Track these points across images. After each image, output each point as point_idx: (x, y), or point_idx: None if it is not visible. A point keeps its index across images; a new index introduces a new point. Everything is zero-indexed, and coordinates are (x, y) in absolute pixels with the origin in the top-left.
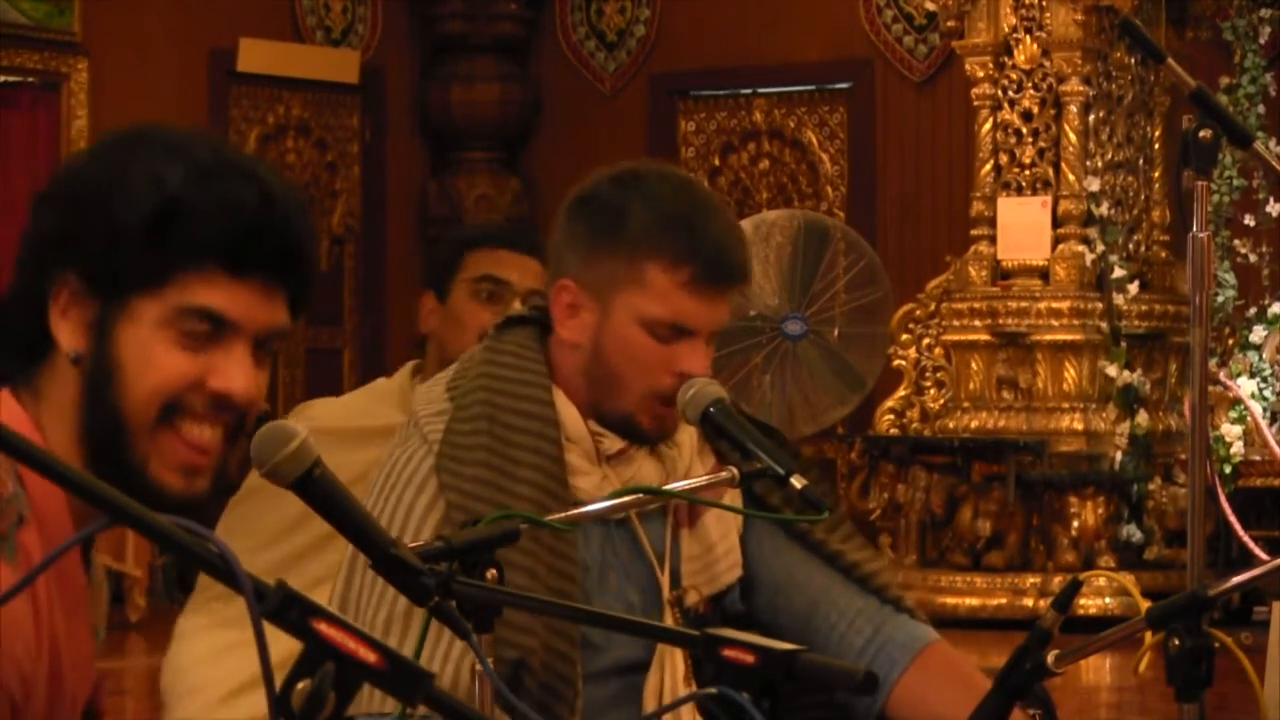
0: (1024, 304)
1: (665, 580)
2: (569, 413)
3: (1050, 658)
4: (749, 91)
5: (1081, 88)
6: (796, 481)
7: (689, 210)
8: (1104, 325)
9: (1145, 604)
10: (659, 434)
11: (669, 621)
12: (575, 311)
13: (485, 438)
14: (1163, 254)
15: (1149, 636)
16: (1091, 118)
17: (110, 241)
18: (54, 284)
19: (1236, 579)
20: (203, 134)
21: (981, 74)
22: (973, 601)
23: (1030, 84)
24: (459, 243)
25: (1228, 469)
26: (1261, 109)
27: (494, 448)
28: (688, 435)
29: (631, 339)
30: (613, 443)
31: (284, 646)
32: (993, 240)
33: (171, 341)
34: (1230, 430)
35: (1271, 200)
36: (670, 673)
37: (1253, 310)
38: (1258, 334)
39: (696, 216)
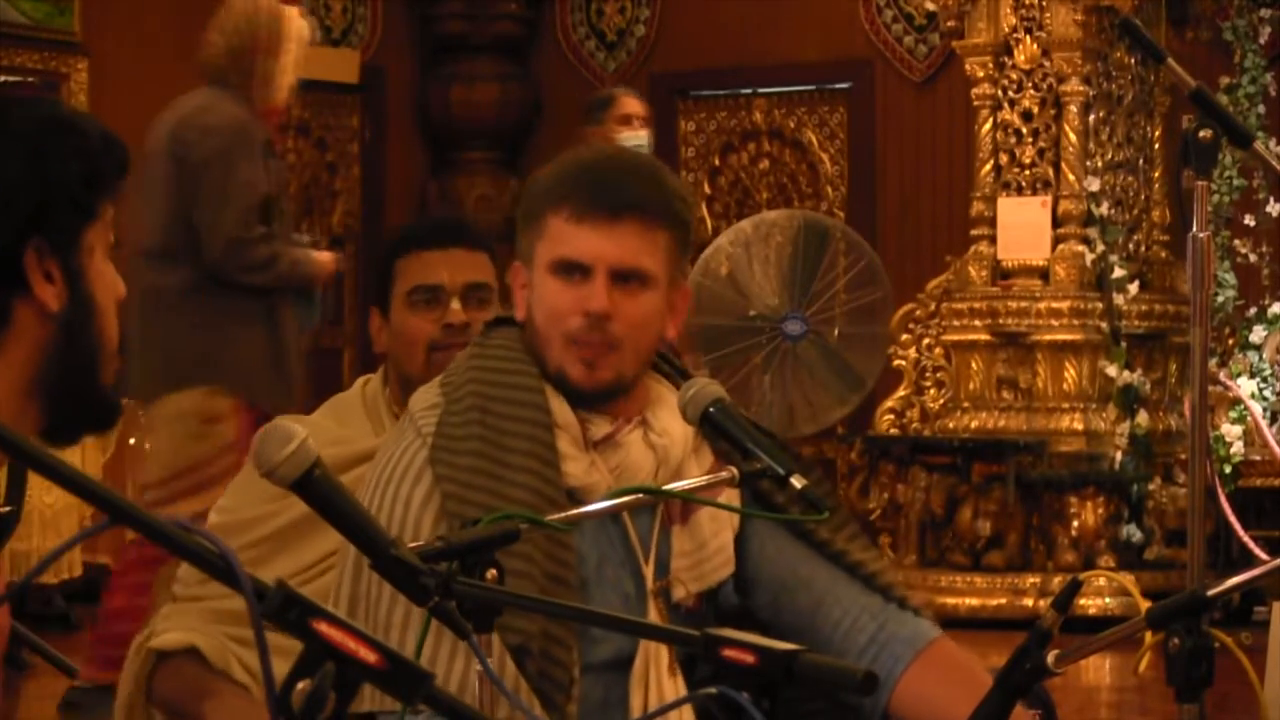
0: (1024, 304)
1: (649, 572)
2: (557, 400)
3: (1050, 658)
4: (749, 91)
5: (1081, 88)
6: (796, 481)
7: (580, 158)
8: (1104, 325)
9: (1145, 604)
10: (591, 385)
11: (653, 614)
12: (521, 288)
13: (478, 428)
14: (1163, 254)
15: (1149, 636)
16: (1091, 118)
17: (64, 198)
18: (26, 255)
19: (1236, 579)
20: (34, 97)
21: (981, 74)
22: (973, 601)
23: (1030, 84)
24: (386, 253)
25: (1228, 469)
26: (1261, 109)
27: (487, 437)
28: (679, 425)
29: (545, 289)
30: (598, 428)
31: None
32: (993, 240)
33: (107, 262)
34: (1230, 430)
35: (1271, 200)
36: (655, 663)
37: (1253, 310)
38: (1258, 334)
39: (586, 160)
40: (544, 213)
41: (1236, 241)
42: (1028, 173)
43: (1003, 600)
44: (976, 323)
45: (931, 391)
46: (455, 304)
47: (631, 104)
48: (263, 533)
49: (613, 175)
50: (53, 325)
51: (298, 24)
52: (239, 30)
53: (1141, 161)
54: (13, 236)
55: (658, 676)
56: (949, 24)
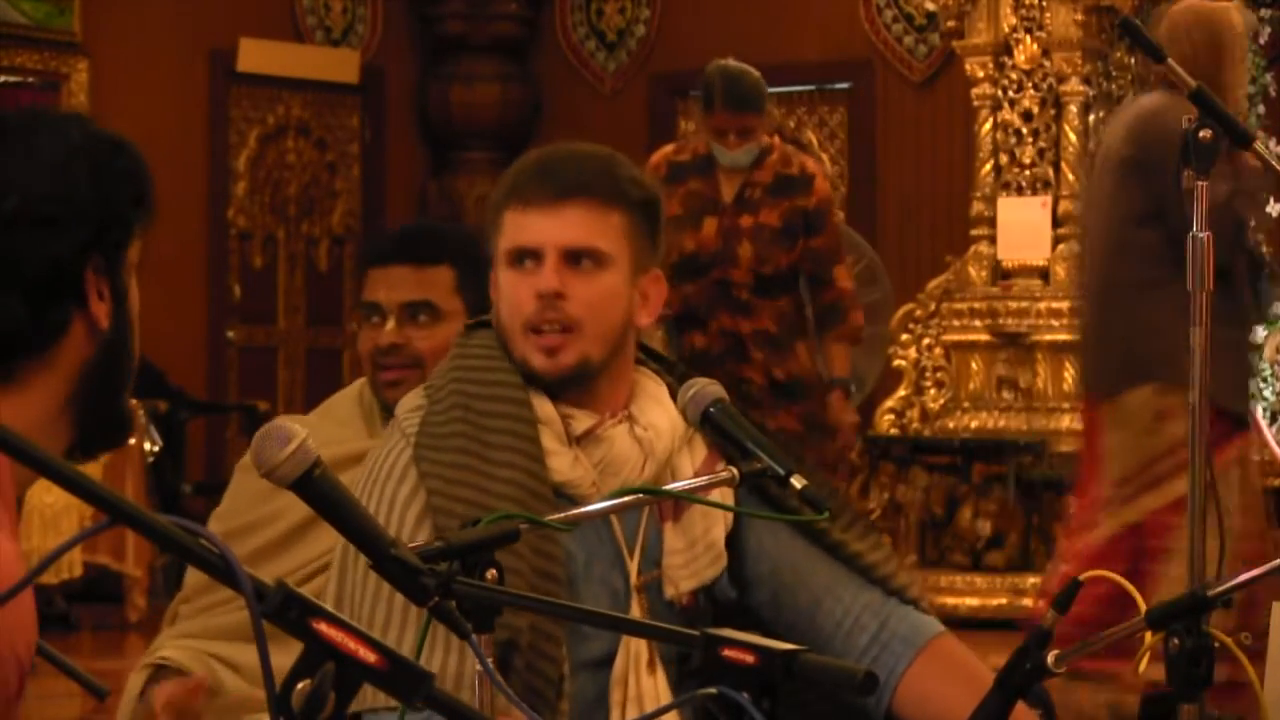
0: (1024, 304)
1: (633, 568)
2: (538, 396)
3: (1050, 658)
4: None
5: (1081, 88)
6: (797, 481)
7: (531, 154)
8: None
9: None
10: (555, 372)
11: (635, 610)
12: (495, 290)
13: (460, 425)
14: None
15: (1149, 636)
16: (1091, 118)
17: (118, 216)
18: (86, 271)
19: (1236, 579)
20: (66, 114)
21: (981, 74)
22: (973, 601)
23: (1030, 84)
24: (361, 266)
25: None
26: (1261, 109)
27: (470, 434)
28: (667, 418)
29: (501, 282)
30: (580, 423)
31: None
32: (993, 240)
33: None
34: None
35: (1271, 200)
36: (634, 661)
37: None
38: (1258, 334)
39: (535, 154)
40: (499, 211)
41: None
42: (1028, 173)
43: (1003, 600)
44: (976, 323)
45: (931, 391)
46: (390, 324)
47: (725, 118)
48: (266, 538)
49: (558, 163)
50: (97, 343)
51: (1242, 27)
52: (1209, 39)
53: None
54: (78, 250)
55: (637, 674)
56: (949, 24)
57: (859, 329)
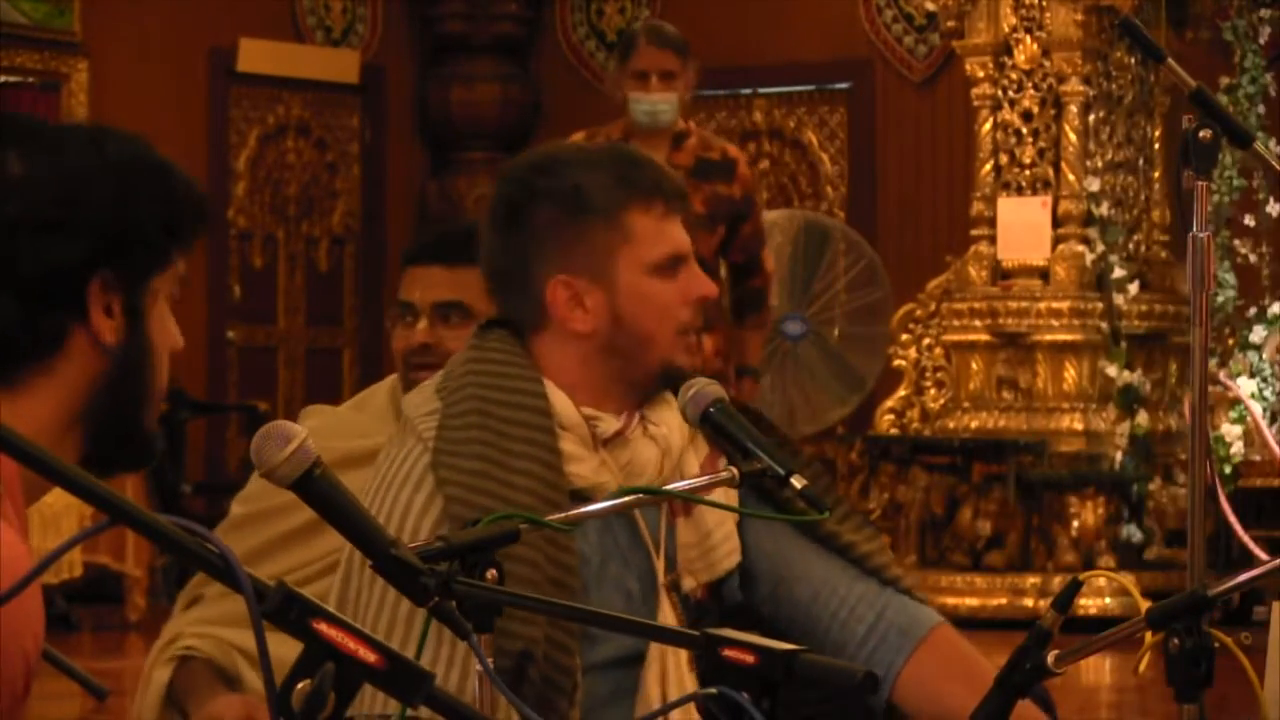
0: (1024, 304)
1: (661, 565)
2: (560, 400)
3: (1050, 658)
4: (749, 91)
5: (1081, 88)
6: (797, 481)
7: (620, 156)
8: (1104, 325)
9: (1145, 604)
10: (691, 366)
11: (665, 607)
12: (578, 301)
13: (478, 431)
14: (1163, 254)
15: (1149, 636)
16: (1091, 118)
17: (140, 237)
18: (92, 284)
19: (1236, 579)
20: (119, 131)
21: (981, 74)
22: (973, 601)
23: (1030, 84)
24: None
25: (1228, 469)
26: (1261, 109)
27: (488, 440)
28: (675, 415)
29: (648, 292)
30: (608, 425)
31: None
32: (993, 240)
33: (169, 312)
34: (1230, 430)
35: (1271, 200)
36: (674, 657)
37: (1253, 310)
38: (1258, 334)
39: (630, 156)
40: (621, 216)
41: (1236, 241)
42: (1028, 173)
43: (1003, 600)
44: (976, 323)
45: (931, 391)
46: (422, 323)
47: (649, 55)
48: (295, 522)
49: (661, 169)
50: (107, 359)
51: None
52: None
53: (1141, 161)
54: (84, 261)
55: (678, 674)
56: (949, 24)
57: (772, 310)
